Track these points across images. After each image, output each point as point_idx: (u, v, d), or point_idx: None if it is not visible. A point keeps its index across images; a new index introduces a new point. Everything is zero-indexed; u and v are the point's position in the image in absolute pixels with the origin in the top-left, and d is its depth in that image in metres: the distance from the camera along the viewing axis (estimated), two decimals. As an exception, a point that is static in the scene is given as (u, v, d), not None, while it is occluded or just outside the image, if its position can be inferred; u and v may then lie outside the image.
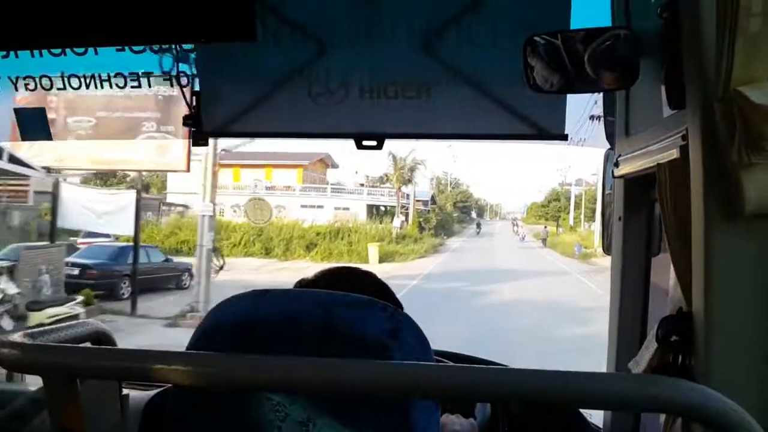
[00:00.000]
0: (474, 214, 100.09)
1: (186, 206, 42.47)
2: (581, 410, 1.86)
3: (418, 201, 54.31)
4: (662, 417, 1.26)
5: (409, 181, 48.64)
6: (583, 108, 2.04)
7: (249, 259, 32.04)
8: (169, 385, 1.00)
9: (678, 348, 1.18)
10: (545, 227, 58.80)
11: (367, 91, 1.91)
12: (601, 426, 1.93)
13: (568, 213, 67.48)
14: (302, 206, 44.37)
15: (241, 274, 21.18)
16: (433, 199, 64.34)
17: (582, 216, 61.19)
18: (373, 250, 32.65)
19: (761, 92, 1.01)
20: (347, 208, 45.95)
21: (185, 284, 19.82)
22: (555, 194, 79.78)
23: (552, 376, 0.73)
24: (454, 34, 1.83)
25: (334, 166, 55.55)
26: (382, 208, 49.42)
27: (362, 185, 51.19)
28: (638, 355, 1.30)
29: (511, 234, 64.92)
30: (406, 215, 47.84)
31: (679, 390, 0.69)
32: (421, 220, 49.64)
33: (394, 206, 48.13)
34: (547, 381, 0.73)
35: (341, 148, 54.41)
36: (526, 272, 26.49)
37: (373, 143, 1.92)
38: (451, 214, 69.53)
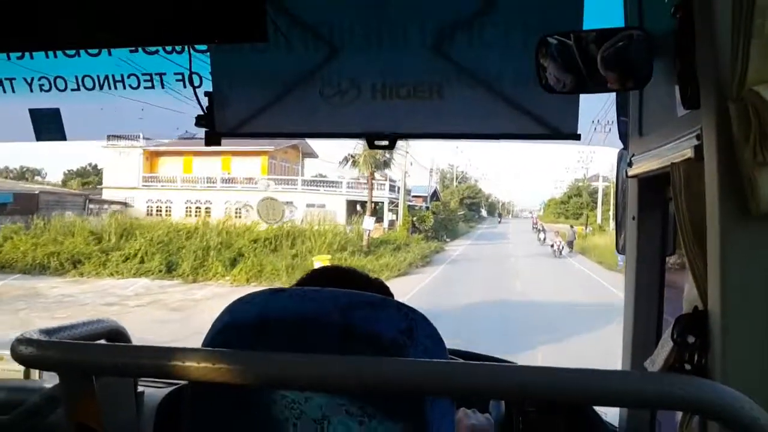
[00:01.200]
0: (484, 212, 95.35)
1: (125, 204, 39.06)
2: (596, 408, 1.86)
3: (416, 197, 50.20)
4: (678, 415, 1.26)
5: (386, 164, 37.92)
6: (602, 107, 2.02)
7: (137, 280, 24.35)
8: (185, 382, 1.01)
9: (694, 346, 1.18)
10: (572, 227, 46.29)
11: (379, 92, 1.91)
12: (616, 424, 1.93)
13: (592, 210, 60.05)
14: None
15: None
16: (435, 194, 58.95)
17: (610, 213, 46.57)
18: (319, 265, 20.36)
19: None
20: (323, 205, 38.43)
21: None
22: (576, 189, 73.61)
23: (567, 374, 0.73)
24: (466, 35, 1.83)
25: (312, 155, 46.48)
26: (372, 205, 39.59)
27: (356, 179, 40.49)
28: (654, 354, 1.30)
29: (529, 235, 53.58)
30: (396, 213, 41.30)
31: (696, 388, 0.69)
32: (414, 219, 42.21)
33: (389, 202, 41.68)
34: (562, 379, 0.73)
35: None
36: (576, 310, 16.30)
37: (385, 143, 1.93)
38: (455, 212, 62.15)
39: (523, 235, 55.47)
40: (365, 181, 37.78)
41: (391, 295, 1.19)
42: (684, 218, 1.22)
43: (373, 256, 29.17)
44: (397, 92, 1.91)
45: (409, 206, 43.42)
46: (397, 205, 41.85)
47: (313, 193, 40.01)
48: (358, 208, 40.16)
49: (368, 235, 31.63)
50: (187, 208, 39.76)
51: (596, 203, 59.00)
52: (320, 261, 21.43)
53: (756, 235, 1.08)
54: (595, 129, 2.08)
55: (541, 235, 44.56)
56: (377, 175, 38.65)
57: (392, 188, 42.65)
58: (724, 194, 1.09)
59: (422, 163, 55.84)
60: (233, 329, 0.95)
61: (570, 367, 0.73)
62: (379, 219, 39.52)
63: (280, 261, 26.20)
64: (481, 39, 1.82)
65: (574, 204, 73.16)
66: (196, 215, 37.44)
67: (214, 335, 0.95)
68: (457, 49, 1.84)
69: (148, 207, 40.46)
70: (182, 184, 40.87)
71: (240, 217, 34.41)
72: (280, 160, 43.65)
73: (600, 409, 1.88)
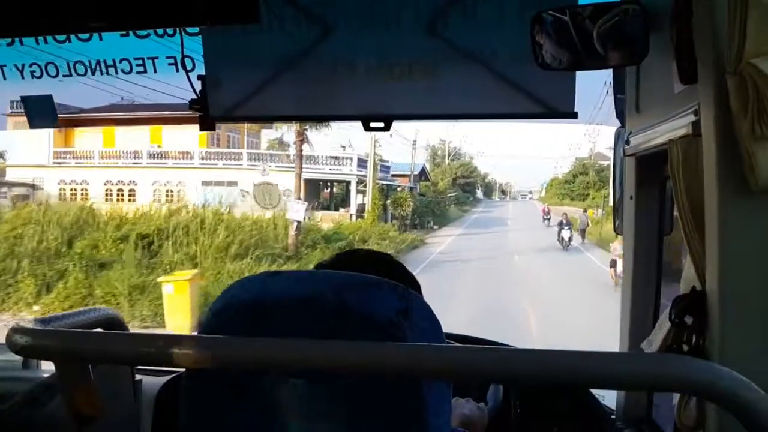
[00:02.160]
0: (480, 193, 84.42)
1: (32, 186, 29.99)
2: (593, 392, 1.86)
3: (399, 176, 41.08)
4: (676, 397, 1.25)
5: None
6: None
7: None
8: (182, 370, 1.00)
9: (692, 327, 1.17)
10: (584, 212, 35.38)
11: (373, 72, 1.89)
12: (614, 407, 1.93)
13: (599, 190, 51.12)
14: (204, 183, 29.24)
15: None
16: (424, 173, 49.75)
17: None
18: (170, 290, 13.65)
19: None
20: (274, 185, 27.48)
21: None
22: (581, 166, 64.05)
23: (564, 357, 0.72)
24: (460, 13, 1.80)
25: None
26: (328, 187, 34.15)
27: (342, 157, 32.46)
28: (651, 335, 1.30)
29: (533, 219, 43.90)
30: (363, 194, 31.80)
31: (693, 369, 0.68)
32: (388, 203, 32.91)
33: (357, 181, 31.75)
34: (559, 361, 0.72)
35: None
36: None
37: (381, 125, 1.91)
38: (445, 193, 52.86)
39: (526, 219, 45.63)
40: (338, 156, 31.43)
41: (416, 283, 1.15)
42: (682, 196, 1.21)
43: (300, 262, 19.54)
44: (392, 72, 1.88)
45: (387, 186, 35.61)
46: (365, 185, 31.58)
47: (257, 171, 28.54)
48: (326, 189, 34.69)
49: (296, 229, 21.74)
50: (107, 190, 30.52)
51: (604, 182, 49.15)
52: (170, 284, 13.63)
53: (755, 211, 1.07)
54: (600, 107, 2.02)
55: (564, 233, 27.82)
56: (345, 150, 32.05)
57: (362, 163, 32.24)
58: (723, 170, 1.07)
59: (406, 135, 41.52)
60: (229, 312, 0.94)
61: (566, 350, 0.73)
62: (344, 204, 33.33)
63: (125, 279, 16.45)
64: (475, 17, 1.79)
65: (580, 183, 62.71)
66: (118, 199, 29.30)
67: (209, 319, 0.95)
68: (451, 28, 1.81)
69: (60, 189, 30.92)
70: (101, 161, 31.18)
71: (171, 201, 26.84)
72: (227, 129, 32.60)
73: (597, 392, 1.88)
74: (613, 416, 1.94)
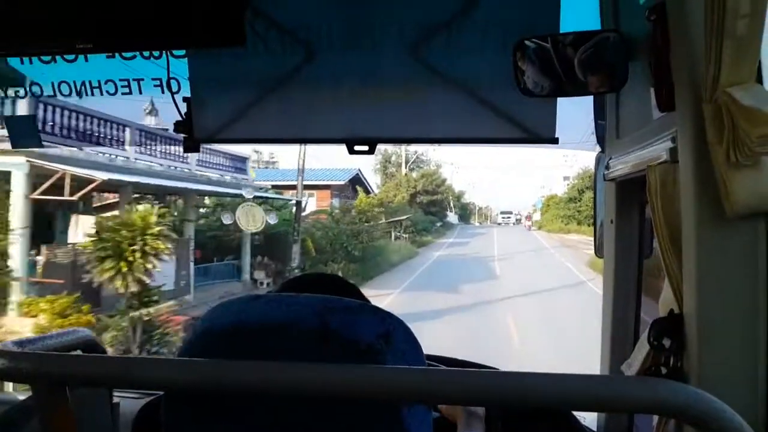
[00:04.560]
0: (452, 217, 62.67)
1: None
2: (575, 414, 1.86)
3: (313, 187, 29.50)
4: (655, 418, 1.26)
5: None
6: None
7: None
8: (161, 392, 0.99)
9: (670, 350, 1.18)
10: None
11: (357, 95, 1.91)
12: (594, 428, 1.93)
13: None
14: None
15: None
16: (362, 184, 34.67)
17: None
18: None
19: (749, 94, 1.01)
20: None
21: None
22: (589, 179, 38.15)
23: (545, 379, 0.72)
24: (444, 38, 1.83)
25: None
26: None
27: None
28: (631, 357, 1.30)
29: (543, 261, 28.80)
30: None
31: (671, 391, 0.69)
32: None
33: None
34: (541, 384, 0.73)
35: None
36: None
37: (365, 148, 1.92)
38: (376, 220, 31.58)
39: (528, 258, 29.59)
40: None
41: (367, 300, 1.17)
42: (660, 221, 1.22)
43: None
44: (376, 97, 1.91)
45: (266, 200, 23.22)
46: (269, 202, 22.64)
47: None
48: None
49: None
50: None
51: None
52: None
53: (731, 237, 1.09)
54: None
55: None
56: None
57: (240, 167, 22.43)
58: (699, 196, 1.09)
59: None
60: (210, 336, 0.94)
61: (548, 373, 0.73)
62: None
63: None
64: (458, 42, 1.83)
65: (589, 201, 42.02)
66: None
67: (190, 343, 0.94)
68: (434, 53, 1.84)
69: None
70: None
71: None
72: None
73: (579, 414, 1.88)
74: None
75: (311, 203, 29.02)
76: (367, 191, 35.40)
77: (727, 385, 1.07)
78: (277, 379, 0.77)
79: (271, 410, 0.89)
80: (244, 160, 23.52)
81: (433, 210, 51.73)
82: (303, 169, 23.65)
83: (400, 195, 46.22)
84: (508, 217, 77.46)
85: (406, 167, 51.03)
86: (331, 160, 33.36)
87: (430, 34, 1.83)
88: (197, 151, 2.09)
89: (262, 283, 21.69)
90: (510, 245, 37.96)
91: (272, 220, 21.64)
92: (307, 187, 26.25)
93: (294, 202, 23.69)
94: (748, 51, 1.03)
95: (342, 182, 32.08)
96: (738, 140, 1.01)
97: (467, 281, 21.23)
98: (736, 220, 1.06)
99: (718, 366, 1.09)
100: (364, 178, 36.26)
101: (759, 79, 1.06)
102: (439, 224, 51.19)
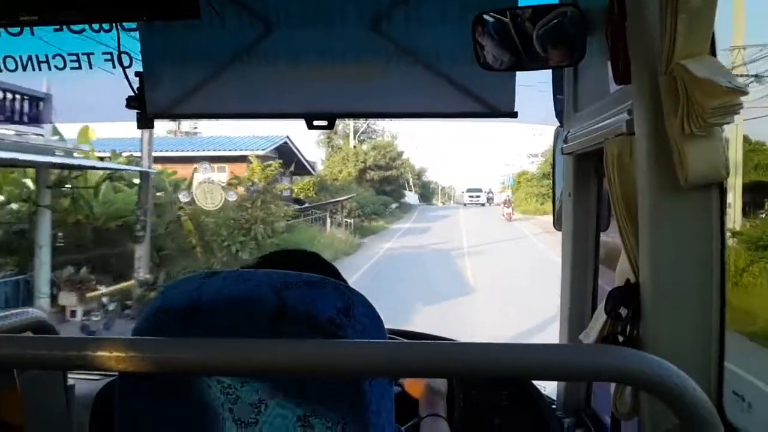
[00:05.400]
0: (411, 196, 53.57)
1: None
2: (535, 383, 1.90)
3: (227, 158, 23.19)
4: (613, 385, 1.29)
5: None
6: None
7: None
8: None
9: (626, 318, 1.21)
10: None
11: (316, 70, 1.88)
12: (554, 398, 1.98)
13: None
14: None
15: None
16: (290, 157, 25.20)
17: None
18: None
19: (703, 65, 1.03)
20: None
21: None
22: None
23: (504, 350, 0.73)
24: (403, 13, 1.82)
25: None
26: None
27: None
28: (588, 327, 1.33)
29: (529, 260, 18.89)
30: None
31: (626, 359, 0.71)
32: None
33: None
34: (499, 354, 0.73)
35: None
36: None
37: (324, 123, 1.91)
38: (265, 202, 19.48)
39: (508, 257, 20.54)
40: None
41: (340, 275, 1.15)
42: (616, 193, 1.24)
43: None
44: (336, 71, 1.88)
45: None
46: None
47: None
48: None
49: None
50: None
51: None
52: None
53: (685, 207, 1.11)
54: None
55: None
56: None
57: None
58: (654, 167, 1.11)
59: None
60: (165, 314, 0.91)
61: (507, 342, 0.74)
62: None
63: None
64: (418, 17, 1.81)
65: None
66: None
67: (144, 320, 0.92)
68: (395, 27, 1.82)
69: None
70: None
71: None
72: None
73: (538, 383, 1.92)
74: (553, 406, 2.00)
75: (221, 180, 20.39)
76: (300, 167, 27.65)
77: (680, 351, 1.10)
78: (234, 357, 0.75)
79: (227, 387, 0.88)
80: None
81: (388, 189, 42.47)
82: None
83: (345, 171, 38.33)
84: (477, 196, 58.30)
85: (354, 138, 42.33)
86: (252, 127, 25.77)
87: (390, 8, 1.81)
88: (151, 127, 2.03)
89: (74, 314, 12.92)
90: (480, 231, 29.95)
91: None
92: (215, 159, 21.94)
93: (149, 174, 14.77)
94: (702, 24, 1.04)
95: (262, 152, 23.50)
96: (692, 111, 1.03)
97: (425, 299, 13.81)
98: (689, 190, 1.08)
99: (672, 333, 1.13)
100: (297, 150, 26.96)
101: (713, 51, 1.08)
102: (394, 206, 41.54)
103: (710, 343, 1.11)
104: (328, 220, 27.44)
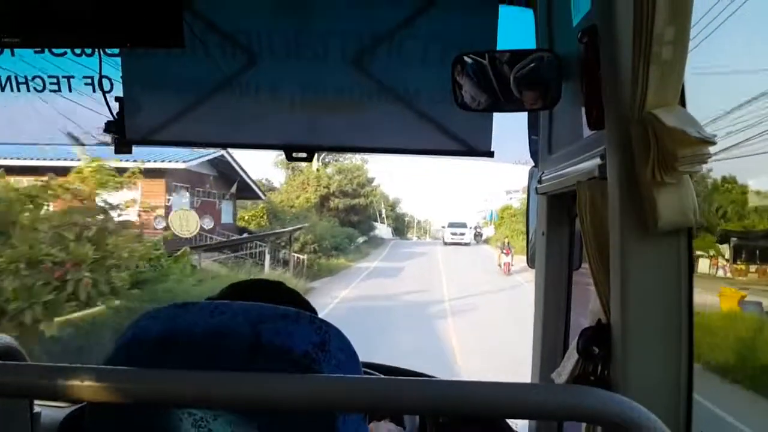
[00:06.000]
0: (382, 229, 47.68)
1: None
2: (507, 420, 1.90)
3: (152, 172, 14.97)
4: (584, 425, 1.30)
5: None
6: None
7: None
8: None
9: (597, 358, 1.22)
10: None
11: (298, 104, 1.91)
12: None
13: None
14: None
15: None
16: (223, 178, 22.17)
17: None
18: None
19: (673, 115, 1.07)
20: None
21: None
22: None
23: (478, 387, 0.74)
24: (386, 50, 1.86)
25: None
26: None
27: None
28: (560, 366, 1.34)
29: None
30: None
31: (597, 399, 0.72)
32: None
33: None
34: (473, 392, 0.74)
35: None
36: None
37: (304, 155, 1.92)
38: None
39: (505, 322, 13.96)
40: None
41: (312, 308, 1.14)
42: (588, 234, 1.27)
43: None
44: (317, 105, 1.91)
45: None
46: None
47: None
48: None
49: None
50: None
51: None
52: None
53: (655, 250, 1.14)
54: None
55: None
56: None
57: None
58: (625, 212, 1.14)
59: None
60: (137, 345, 0.90)
61: (480, 381, 0.75)
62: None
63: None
64: (400, 55, 1.85)
65: None
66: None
67: (116, 351, 0.90)
68: (376, 64, 1.86)
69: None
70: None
71: None
72: None
73: (511, 420, 1.92)
74: None
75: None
76: (245, 189, 23.05)
77: (651, 392, 1.12)
78: (207, 390, 0.75)
79: (199, 420, 0.87)
80: None
81: (354, 219, 37.02)
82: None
83: (303, 197, 33.15)
84: (461, 234, 46.02)
85: (318, 161, 35.30)
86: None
87: (373, 45, 1.85)
88: (129, 152, 2.02)
89: None
90: (463, 273, 25.55)
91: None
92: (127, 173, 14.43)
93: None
94: (672, 75, 1.08)
95: (183, 165, 18.37)
96: (662, 159, 1.06)
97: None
98: (659, 235, 1.12)
99: (642, 373, 1.14)
100: (240, 167, 22.26)
101: (682, 102, 1.12)
102: (361, 240, 35.73)
103: (679, 384, 1.13)
104: (267, 257, 22.14)
